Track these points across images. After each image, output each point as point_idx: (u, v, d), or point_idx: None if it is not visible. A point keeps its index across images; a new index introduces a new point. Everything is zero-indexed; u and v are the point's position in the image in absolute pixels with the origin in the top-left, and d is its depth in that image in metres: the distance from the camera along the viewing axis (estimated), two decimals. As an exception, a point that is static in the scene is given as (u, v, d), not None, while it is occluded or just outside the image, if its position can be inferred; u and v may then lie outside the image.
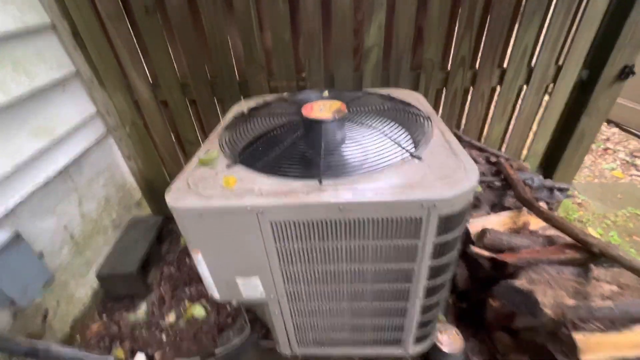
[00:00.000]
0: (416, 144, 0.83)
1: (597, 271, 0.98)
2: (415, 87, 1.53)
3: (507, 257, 1.05)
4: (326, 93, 1.12)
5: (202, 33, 1.39)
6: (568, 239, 1.09)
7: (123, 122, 1.58)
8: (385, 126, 0.88)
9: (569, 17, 1.37)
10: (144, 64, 1.47)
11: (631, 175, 2.29)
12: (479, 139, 1.73)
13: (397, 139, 0.82)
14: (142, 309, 1.48)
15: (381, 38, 1.38)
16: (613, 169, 2.35)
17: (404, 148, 0.79)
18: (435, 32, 1.37)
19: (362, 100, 1.07)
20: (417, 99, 1.16)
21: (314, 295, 0.89)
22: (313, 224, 0.72)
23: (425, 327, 0.97)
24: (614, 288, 0.97)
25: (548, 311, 0.88)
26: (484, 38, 1.42)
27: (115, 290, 1.53)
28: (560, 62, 1.48)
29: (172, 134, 1.67)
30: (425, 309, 0.89)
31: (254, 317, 1.26)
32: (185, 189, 0.75)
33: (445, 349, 1.08)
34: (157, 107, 1.56)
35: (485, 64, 1.46)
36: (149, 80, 1.50)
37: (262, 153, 0.83)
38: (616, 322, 0.90)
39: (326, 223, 0.72)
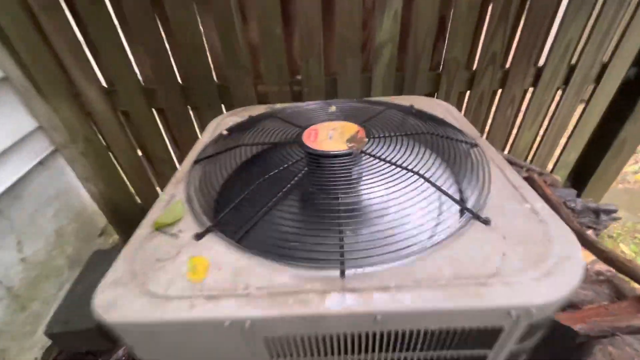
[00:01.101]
0: (470, 193, 0.57)
1: (691, 341, 0.75)
2: (434, 91, 1.27)
3: (572, 321, 0.81)
4: (333, 108, 0.84)
5: (167, 25, 1.09)
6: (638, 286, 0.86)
7: (74, 138, 1.26)
8: (423, 164, 0.62)
9: (622, 8, 1.12)
10: (95, 67, 1.16)
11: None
12: (503, 149, 1.49)
13: (446, 187, 0.56)
14: (106, 371, 1.21)
15: (396, 32, 1.10)
16: (636, 172, 2.16)
17: (462, 205, 0.53)
18: (464, 23, 1.10)
19: (382, 119, 0.80)
20: (448, 112, 0.90)
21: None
22: (332, 337, 0.46)
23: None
24: None
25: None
26: (519, 31, 1.16)
27: (73, 347, 1.25)
28: (605, 60, 1.24)
29: (138, 151, 1.37)
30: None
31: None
32: (127, 284, 0.47)
33: None
34: (115, 119, 1.25)
35: (520, 61, 1.20)
36: (102, 87, 1.18)
37: (248, 215, 0.55)
38: None
39: (352, 335, 0.46)
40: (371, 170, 0.59)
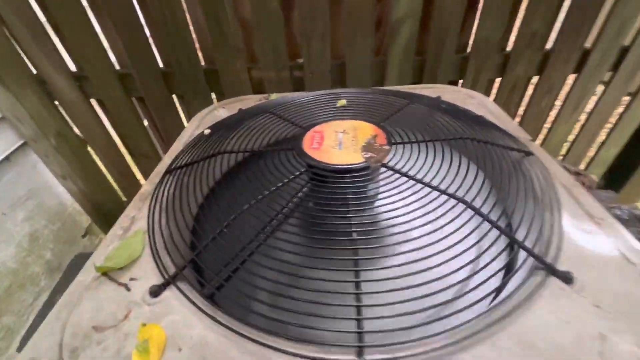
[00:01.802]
0: (536, 233, 0.41)
1: None
2: (459, 78, 1.08)
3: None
4: (343, 102, 0.67)
5: (143, 1, 0.90)
6: None
7: (44, 131, 1.10)
8: (467, 188, 0.45)
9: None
10: (61, 49, 0.98)
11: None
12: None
13: (503, 223, 0.40)
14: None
15: (418, 6, 0.91)
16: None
17: (533, 254, 0.36)
18: (500, -4, 0.90)
19: (405, 117, 0.63)
20: (483, 106, 0.73)
21: None
22: None
23: None
24: None
25: None
26: (566, 8, 0.96)
27: (53, 362, 1.14)
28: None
29: (118, 145, 1.21)
30: None
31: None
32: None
33: None
34: (88, 109, 1.08)
35: (564, 43, 1.00)
36: (70, 72, 1.01)
37: (226, 258, 0.40)
38: None
39: None
40: (397, 194, 0.42)
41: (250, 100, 0.84)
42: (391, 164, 0.48)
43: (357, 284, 0.34)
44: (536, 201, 0.45)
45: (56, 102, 1.07)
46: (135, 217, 0.51)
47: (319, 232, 0.41)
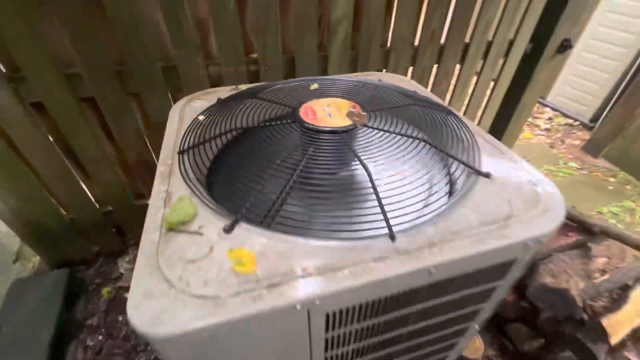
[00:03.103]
0: (467, 155, 0.65)
1: (595, 249, 1.02)
2: (383, 67, 1.35)
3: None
4: (315, 86, 0.83)
5: (91, -5, 0.89)
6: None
7: (-36, 142, 0.97)
8: (418, 132, 0.67)
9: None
10: (-13, 46, 0.89)
11: (536, 134, 2.66)
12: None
13: (446, 150, 0.63)
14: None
15: (350, 9, 1.12)
16: (524, 131, 2.68)
17: (467, 165, 0.60)
18: (409, 1, 1.18)
19: (366, 94, 0.82)
20: (413, 86, 0.98)
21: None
22: (385, 298, 0.49)
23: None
24: (605, 260, 1.03)
25: (580, 304, 0.87)
26: (451, 11, 1.30)
27: (12, 399, 1.02)
28: (511, 37, 1.49)
29: (60, 152, 1.12)
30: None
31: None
32: (165, 293, 0.41)
33: (469, 355, 1.02)
34: (24, 113, 0.99)
35: (454, 38, 1.35)
36: (2, 73, 0.92)
37: (269, 200, 0.53)
38: (615, 296, 0.96)
39: (401, 293, 0.50)
40: (383, 142, 0.61)
41: (224, 92, 0.92)
42: (369, 124, 0.67)
43: (376, 193, 0.52)
44: (461, 141, 0.69)
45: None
46: (168, 190, 0.58)
47: (331, 173, 0.57)
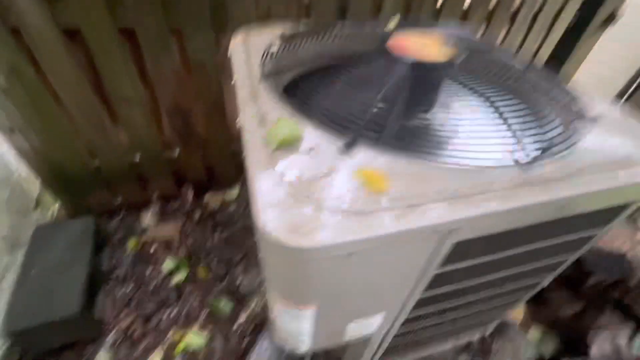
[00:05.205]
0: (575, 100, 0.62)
1: (641, 219, 1.02)
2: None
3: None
4: (395, 22, 0.77)
5: None
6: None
7: (-9, 67, 0.87)
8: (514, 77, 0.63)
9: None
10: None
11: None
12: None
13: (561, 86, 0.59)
14: (101, 360, 1.00)
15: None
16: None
17: (574, 109, 0.56)
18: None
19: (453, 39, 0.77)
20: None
21: (435, 312, 0.66)
22: (506, 233, 0.46)
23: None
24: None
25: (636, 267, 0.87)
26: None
27: (43, 344, 0.98)
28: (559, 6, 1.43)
29: (90, 87, 1.03)
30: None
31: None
32: (298, 205, 0.37)
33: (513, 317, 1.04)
34: (59, 39, 0.90)
35: (504, 2, 1.29)
36: (38, -12, 0.82)
37: (384, 119, 0.48)
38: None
39: (520, 229, 0.47)
40: (497, 76, 0.57)
41: (284, 27, 0.85)
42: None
43: (506, 120, 0.48)
44: (565, 89, 0.66)
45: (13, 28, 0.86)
46: (260, 111, 0.53)
47: (425, 102, 0.53)
